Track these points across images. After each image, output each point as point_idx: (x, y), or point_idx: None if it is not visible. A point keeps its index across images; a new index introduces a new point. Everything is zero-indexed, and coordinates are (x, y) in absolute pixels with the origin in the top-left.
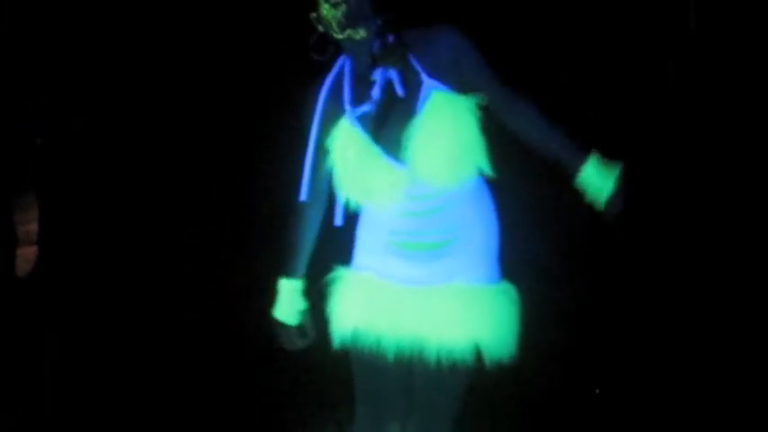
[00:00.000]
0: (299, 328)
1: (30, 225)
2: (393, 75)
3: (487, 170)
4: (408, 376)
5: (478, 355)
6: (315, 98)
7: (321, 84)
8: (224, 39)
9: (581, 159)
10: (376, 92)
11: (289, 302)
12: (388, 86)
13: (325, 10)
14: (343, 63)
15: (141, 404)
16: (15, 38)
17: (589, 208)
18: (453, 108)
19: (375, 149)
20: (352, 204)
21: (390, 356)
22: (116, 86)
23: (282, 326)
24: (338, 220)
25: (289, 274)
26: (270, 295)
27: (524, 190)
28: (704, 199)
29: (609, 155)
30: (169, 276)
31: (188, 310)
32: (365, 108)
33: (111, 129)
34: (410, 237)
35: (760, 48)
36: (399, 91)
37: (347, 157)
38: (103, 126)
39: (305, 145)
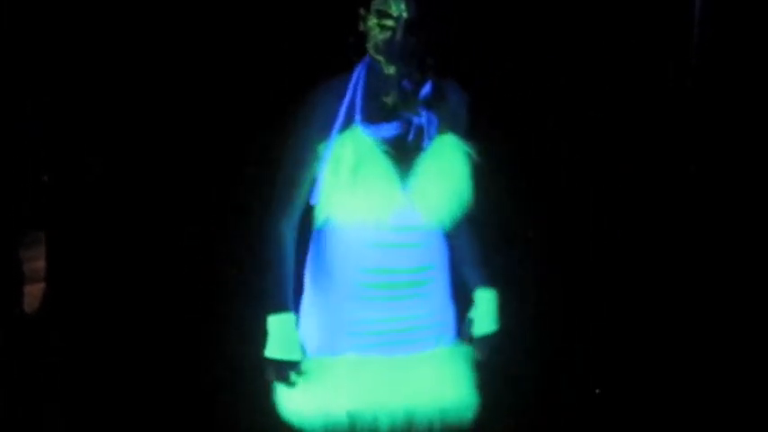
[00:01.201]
0: (299, 363)
1: (37, 262)
2: (426, 118)
3: (472, 212)
4: None
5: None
6: (324, 100)
7: (330, 87)
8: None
9: (483, 282)
10: (409, 129)
11: (287, 337)
12: (414, 123)
13: (371, 22)
14: (358, 75)
15: (141, 404)
16: (15, 38)
17: (588, 209)
18: (456, 150)
19: (387, 164)
20: (328, 224)
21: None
22: (116, 86)
23: (281, 365)
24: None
25: (281, 308)
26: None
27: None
28: (704, 199)
29: (609, 155)
30: (169, 276)
31: (188, 310)
32: (389, 131)
33: (110, 128)
34: (382, 276)
35: (761, 48)
36: (429, 136)
37: (357, 165)
38: (103, 126)
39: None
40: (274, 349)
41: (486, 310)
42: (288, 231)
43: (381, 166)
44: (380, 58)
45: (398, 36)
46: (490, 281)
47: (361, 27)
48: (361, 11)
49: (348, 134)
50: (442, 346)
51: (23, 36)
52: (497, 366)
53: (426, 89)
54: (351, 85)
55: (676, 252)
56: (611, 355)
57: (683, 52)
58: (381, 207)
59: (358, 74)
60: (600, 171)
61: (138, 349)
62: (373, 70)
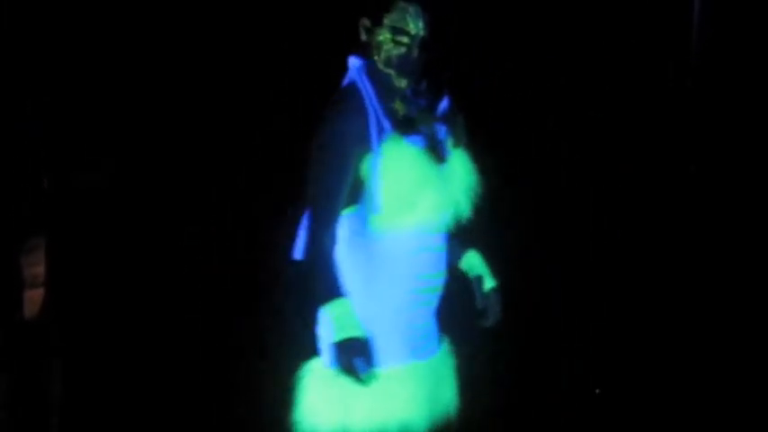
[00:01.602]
0: (367, 342)
1: (36, 267)
2: (443, 133)
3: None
4: None
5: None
6: (348, 115)
7: (346, 99)
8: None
9: (464, 246)
10: (432, 142)
11: (348, 318)
12: (436, 137)
13: (383, 37)
14: (365, 86)
15: (143, 403)
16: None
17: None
18: (467, 162)
19: (434, 171)
20: (384, 232)
21: None
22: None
23: (351, 345)
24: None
25: (337, 296)
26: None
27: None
28: (704, 199)
29: (609, 155)
30: (169, 276)
31: (188, 310)
32: (418, 142)
33: (110, 127)
34: (429, 280)
35: (761, 48)
36: (447, 150)
37: (413, 173)
38: (102, 124)
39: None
40: (340, 331)
41: (482, 267)
42: (331, 242)
43: (431, 172)
44: (391, 71)
45: (414, 53)
46: (469, 244)
47: (364, 37)
48: (365, 22)
49: (391, 144)
50: (443, 348)
51: (23, 36)
52: (500, 365)
53: (443, 105)
54: (365, 96)
55: (676, 252)
56: (611, 355)
57: (683, 52)
58: (435, 211)
59: (364, 85)
60: (600, 171)
61: (141, 353)
62: (380, 80)
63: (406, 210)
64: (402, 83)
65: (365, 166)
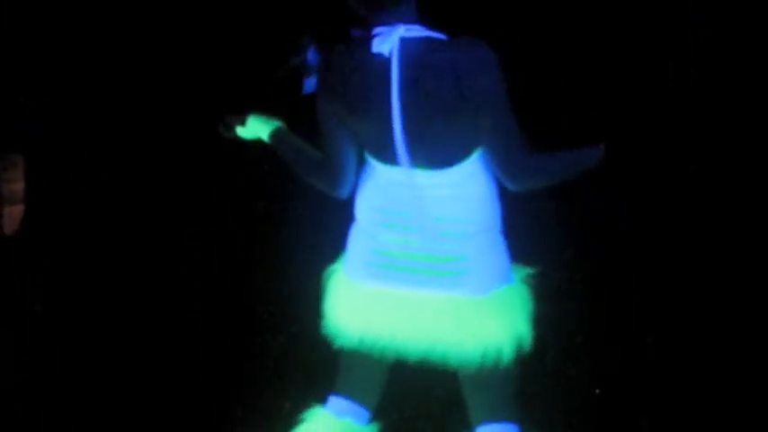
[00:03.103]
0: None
1: (15, 184)
2: None
3: None
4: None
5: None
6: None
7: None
8: (223, 38)
9: None
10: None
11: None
12: None
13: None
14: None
15: (139, 404)
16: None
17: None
18: None
19: None
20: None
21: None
22: (116, 86)
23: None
24: None
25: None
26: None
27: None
28: (704, 199)
29: (609, 155)
30: (169, 276)
31: (188, 310)
32: None
33: (110, 127)
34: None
35: (760, 48)
36: None
37: None
38: (103, 124)
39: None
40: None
41: None
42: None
43: None
44: None
45: None
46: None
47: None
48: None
49: None
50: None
51: (23, 36)
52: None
53: None
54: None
55: (676, 251)
56: (611, 355)
57: (683, 52)
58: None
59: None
60: (599, 171)
61: (129, 312)
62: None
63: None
64: None
65: None
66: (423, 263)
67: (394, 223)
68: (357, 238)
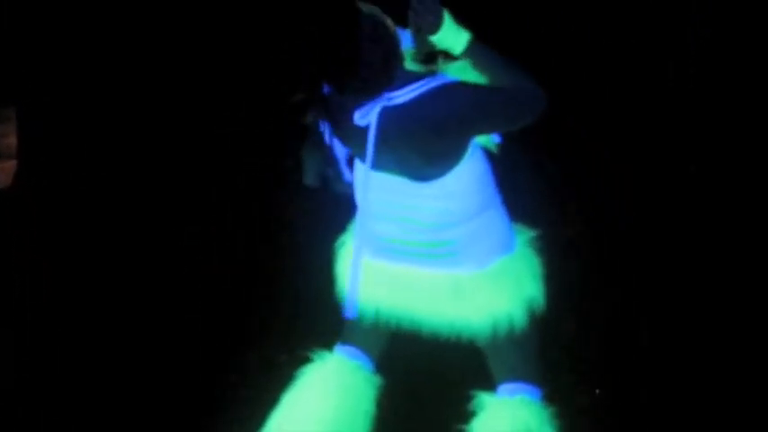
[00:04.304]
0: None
1: (8, 138)
2: None
3: None
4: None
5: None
6: None
7: None
8: (223, 38)
9: None
10: None
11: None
12: None
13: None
14: None
15: (139, 404)
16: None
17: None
18: None
19: None
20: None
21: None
22: (117, 85)
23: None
24: None
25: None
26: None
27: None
28: (704, 199)
29: (609, 155)
30: (169, 276)
31: (187, 310)
32: None
33: (110, 127)
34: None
35: (760, 48)
36: None
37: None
38: (103, 124)
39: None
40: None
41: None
42: None
43: None
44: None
45: None
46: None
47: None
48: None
49: None
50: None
51: (23, 36)
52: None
53: None
54: None
55: (676, 252)
56: (611, 355)
57: (683, 52)
58: None
59: None
60: (599, 171)
61: (129, 312)
62: None
63: None
64: None
65: None
66: (420, 248)
67: (389, 215)
68: (360, 222)
